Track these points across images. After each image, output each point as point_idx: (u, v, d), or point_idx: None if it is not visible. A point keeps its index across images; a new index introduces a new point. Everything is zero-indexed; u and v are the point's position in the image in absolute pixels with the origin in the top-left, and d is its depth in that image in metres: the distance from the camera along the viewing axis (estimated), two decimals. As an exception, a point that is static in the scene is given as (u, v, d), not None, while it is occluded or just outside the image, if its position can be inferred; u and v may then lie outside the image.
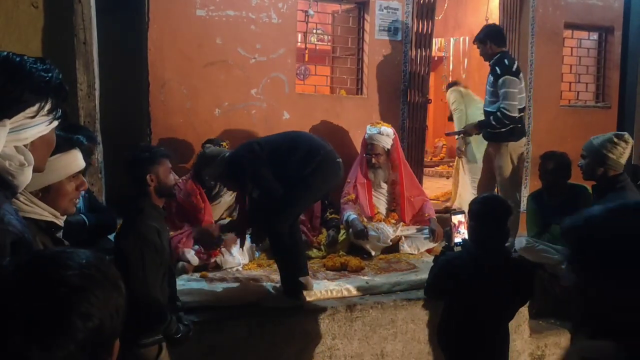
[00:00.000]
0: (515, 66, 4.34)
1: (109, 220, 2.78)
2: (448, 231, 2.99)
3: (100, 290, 0.84)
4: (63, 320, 0.79)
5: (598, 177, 2.85)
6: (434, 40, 5.35)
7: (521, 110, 4.29)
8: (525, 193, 5.54)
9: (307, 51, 5.78)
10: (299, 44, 5.12)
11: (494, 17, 6.28)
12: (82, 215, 2.54)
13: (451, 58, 8.66)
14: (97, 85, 3.19)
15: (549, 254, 3.73)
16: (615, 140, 2.80)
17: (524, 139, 4.45)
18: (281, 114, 4.73)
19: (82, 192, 2.71)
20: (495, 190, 4.44)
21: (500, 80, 4.20)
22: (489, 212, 2.46)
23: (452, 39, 8.54)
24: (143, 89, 4.36)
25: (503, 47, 4.41)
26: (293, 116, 4.74)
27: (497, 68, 4.27)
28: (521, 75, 4.33)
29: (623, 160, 2.81)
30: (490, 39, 4.36)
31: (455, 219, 2.95)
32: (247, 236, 3.92)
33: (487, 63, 4.43)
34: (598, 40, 6.09)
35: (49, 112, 1.20)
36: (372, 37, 5.02)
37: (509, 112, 4.16)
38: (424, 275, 3.02)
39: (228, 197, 4.07)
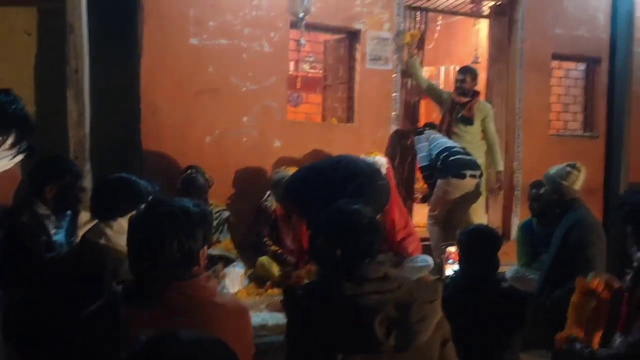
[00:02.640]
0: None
1: None
2: (439, 263, 3.01)
3: None
4: None
5: (555, 202, 3.11)
6: (424, 68, 5.42)
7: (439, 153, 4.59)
8: (515, 222, 5.56)
9: (299, 79, 5.85)
10: (290, 72, 5.17)
11: (483, 47, 6.39)
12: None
13: (442, 86, 8.77)
14: (87, 114, 3.20)
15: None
16: (568, 169, 3.04)
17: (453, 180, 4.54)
18: (272, 142, 4.74)
19: (64, 225, 2.71)
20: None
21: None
22: (477, 243, 2.47)
23: (442, 68, 8.66)
24: (135, 115, 4.37)
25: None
26: (284, 144, 4.76)
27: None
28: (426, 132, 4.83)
29: (577, 186, 3.04)
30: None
31: (447, 250, 2.97)
32: (239, 264, 3.91)
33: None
34: (585, 71, 6.19)
35: (12, 145, 1.15)
36: (363, 66, 5.08)
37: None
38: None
39: (214, 223, 4.06)
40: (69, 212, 2.70)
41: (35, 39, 3.22)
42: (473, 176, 4.54)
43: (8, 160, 1.15)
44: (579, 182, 3.01)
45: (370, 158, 4.35)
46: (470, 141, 4.95)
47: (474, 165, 4.59)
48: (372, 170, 3.47)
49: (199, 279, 1.45)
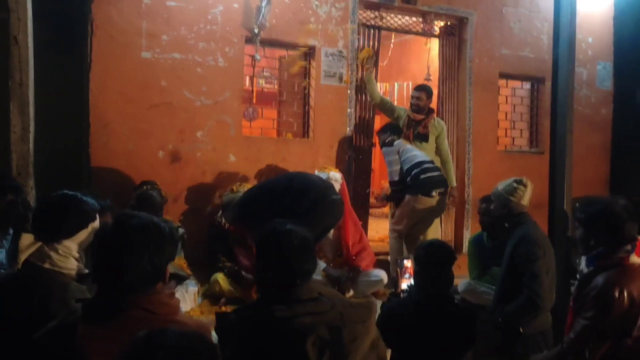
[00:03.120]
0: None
1: None
2: (395, 278, 3.02)
3: None
4: None
5: (504, 217, 3.16)
6: (378, 84, 5.52)
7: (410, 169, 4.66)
8: (467, 235, 5.69)
9: (254, 93, 5.81)
10: (246, 86, 5.15)
11: (434, 65, 6.56)
12: (2, 271, 2.39)
13: (395, 102, 8.94)
14: (31, 128, 3.08)
15: (490, 295, 3.81)
16: (515, 185, 3.10)
17: (422, 198, 4.63)
18: (227, 157, 4.70)
19: (6, 245, 2.58)
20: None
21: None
22: (433, 258, 2.50)
23: (396, 84, 8.84)
24: (83, 129, 4.24)
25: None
26: (239, 159, 4.72)
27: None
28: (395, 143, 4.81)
29: (524, 201, 3.10)
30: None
31: (403, 264, 2.99)
32: (192, 282, 3.83)
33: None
34: (531, 90, 6.47)
35: None
36: (317, 82, 5.13)
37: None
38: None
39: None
40: (11, 232, 2.58)
41: (-23, 49, 3.08)
42: (441, 193, 4.68)
43: None
44: (526, 197, 3.08)
45: (324, 173, 4.37)
46: None
47: (442, 183, 4.72)
48: (324, 185, 3.48)
49: (162, 295, 1.44)
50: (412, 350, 2.45)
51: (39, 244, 1.76)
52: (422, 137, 5.05)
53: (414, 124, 5.06)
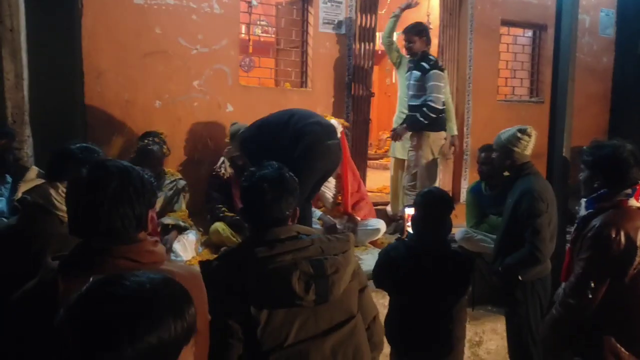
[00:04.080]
0: (439, 62, 4.64)
1: None
2: (401, 223, 3.02)
3: (154, 314, 0.90)
4: (111, 343, 0.87)
5: (507, 167, 3.10)
6: (377, 34, 5.40)
7: (442, 103, 4.52)
8: (465, 185, 5.72)
9: (251, 43, 5.70)
10: (242, 35, 5.03)
11: (435, 13, 6.41)
12: (3, 219, 2.39)
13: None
14: (25, 75, 3.01)
15: (487, 243, 3.87)
16: (519, 135, 3.01)
17: (443, 132, 4.63)
18: (225, 107, 4.64)
19: (5, 193, 2.57)
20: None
21: (430, 74, 4.35)
22: (431, 205, 2.52)
23: (395, 33, 8.65)
24: (78, 79, 4.16)
25: (429, 45, 4.65)
26: (237, 109, 4.66)
27: (423, 64, 4.46)
28: (445, 71, 4.61)
29: (528, 151, 3.03)
30: (426, 36, 4.53)
31: (407, 211, 2.99)
32: (192, 232, 3.86)
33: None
34: (532, 37, 6.34)
35: None
36: (316, 30, 5.01)
37: (435, 104, 4.35)
38: (368, 268, 3.05)
39: (169, 192, 3.96)
40: (10, 180, 2.57)
41: (-36, -5, 2.97)
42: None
43: None
44: (529, 147, 3.01)
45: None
46: None
47: None
48: (322, 130, 3.43)
49: (145, 242, 1.36)
50: (407, 294, 2.50)
51: (42, 180, 1.73)
52: None
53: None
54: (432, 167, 4.58)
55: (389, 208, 5.20)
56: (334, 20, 5.06)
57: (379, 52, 7.39)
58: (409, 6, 4.96)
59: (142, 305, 0.90)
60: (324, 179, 3.79)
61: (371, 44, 5.23)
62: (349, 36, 5.12)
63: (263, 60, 5.60)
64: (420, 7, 7.86)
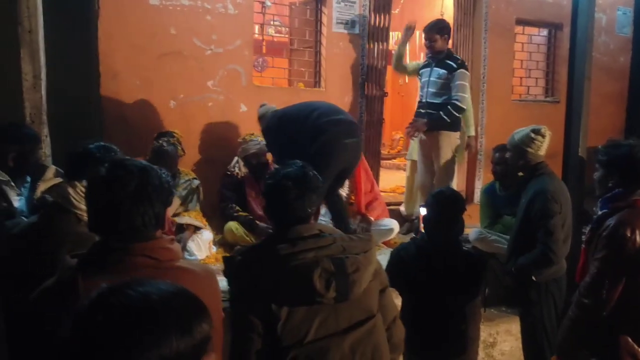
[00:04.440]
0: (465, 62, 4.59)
1: None
2: (416, 223, 3.01)
3: (156, 328, 0.83)
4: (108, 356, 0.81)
5: (520, 167, 3.07)
6: (390, 33, 5.39)
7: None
8: (478, 185, 5.69)
9: (264, 43, 5.73)
10: (256, 35, 5.06)
11: (449, 13, 6.38)
12: (23, 218, 2.43)
13: (407, 52, 8.75)
14: (43, 76, 3.05)
15: (501, 244, 3.85)
16: (532, 135, 2.98)
17: (458, 132, 4.60)
18: (238, 106, 4.67)
19: (25, 192, 2.61)
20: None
21: (457, 73, 4.31)
22: (442, 204, 2.51)
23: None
24: (94, 80, 4.21)
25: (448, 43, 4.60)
26: (250, 108, 4.68)
27: (449, 62, 4.38)
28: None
29: (541, 152, 3.00)
30: (447, 34, 4.48)
31: (422, 211, 2.98)
32: (206, 231, 3.89)
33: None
34: (548, 36, 6.29)
35: None
36: (329, 30, 5.02)
37: (461, 104, 4.29)
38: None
39: (183, 192, 4.00)
40: (29, 179, 2.61)
41: (-16, -3, 3.03)
42: None
43: None
44: (543, 147, 2.99)
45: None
46: None
47: None
48: (343, 128, 3.42)
49: (162, 240, 1.38)
50: (418, 293, 2.50)
51: (60, 179, 1.76)
52: None
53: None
54: (450, 166, 4.55)
55: (402, 208, 5.18)
56: (348, 20, 5.06)
57: (392, 52, 7.39)
58: (409, 30, 4.79)
59: (143, 317, 0.83)
60: (343, 176, 3.78)
61: (385, 44, 5.23)
62: (362, 36, 5.12)
63: (276, 60, 5.62)
64: (434, 6, 7.84)
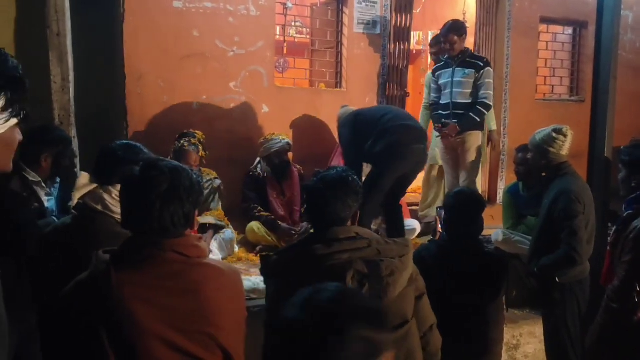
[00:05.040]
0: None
1: None
2: (433, 225, 3.00)
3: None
4: None
5: (543, 168, 3.04)
6: (412, 33, 5.37)
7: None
8: (501, 186, 5.63)
9: (285, 44, 5.75)
10: (277, 36, 5.09)
11: (471, 11, 6.32)
12: (54, 218, 2.49)
13: (429, 51, 8.70)
14: (71, 78, 3.12)
15: (524, 244, 3.80)
16: (554, 135, 2.95)
17: (483, 131, 4.57)
18: (260, 107, 4.71)
19: (54, 192, 2.67)
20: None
21: (485, 71, 4.29)
22: (462, 204, 2.50)
23: (430, 32, 8.58)
24: (119, 81, 4.29)
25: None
26: (272, 109, 4.73)
27: (475, 61, 4.36)
28: None
29: (564, 151, 2.96)
30: (465, 32, 4.46)
31: (441, 213, 2.98)
32: (228, 230, 3.92)
33: None
34: (572, 35, 6.19)
35: (3, 109, 1.05)
36: (350, 31, 5.02)
37: (490, 101, 4.28)
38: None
39: (205, 191, 4.04)
40: (58, 180, 2.68)
41: (14, 1, 3.11)
42: None
43: (0, 124, 1.05)
44: (565, 147, 2.95)
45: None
46: None
47: None
48: (410, 131, 3.57)
49: (191, 237, 1.43)
50: (438, 293, 2.48)
51: (94, 185, 1.77)
52: None
53: None
54: (477, 166, 4.54)
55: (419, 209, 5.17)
56: (369, 21, 5.06)
57: (414, 52, 7.36)
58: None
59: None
60: (405, 183, 3.86)
61: (406, 44, 5.22)
62: (383, 36, 5.11)
63: (298, 61, 5.65)
64: (456, 5, 7.79)
